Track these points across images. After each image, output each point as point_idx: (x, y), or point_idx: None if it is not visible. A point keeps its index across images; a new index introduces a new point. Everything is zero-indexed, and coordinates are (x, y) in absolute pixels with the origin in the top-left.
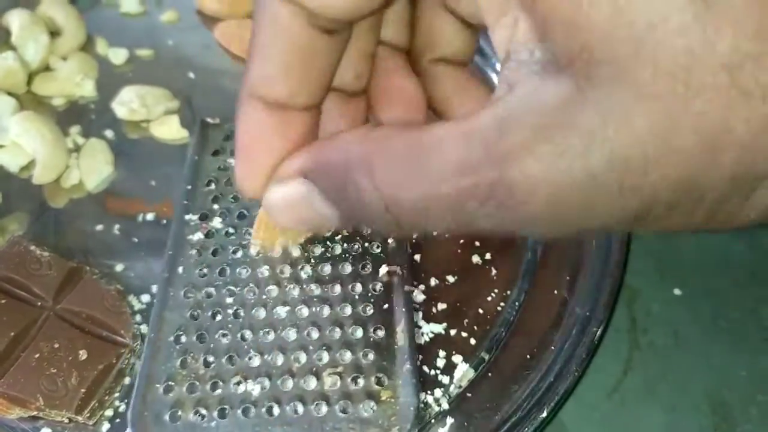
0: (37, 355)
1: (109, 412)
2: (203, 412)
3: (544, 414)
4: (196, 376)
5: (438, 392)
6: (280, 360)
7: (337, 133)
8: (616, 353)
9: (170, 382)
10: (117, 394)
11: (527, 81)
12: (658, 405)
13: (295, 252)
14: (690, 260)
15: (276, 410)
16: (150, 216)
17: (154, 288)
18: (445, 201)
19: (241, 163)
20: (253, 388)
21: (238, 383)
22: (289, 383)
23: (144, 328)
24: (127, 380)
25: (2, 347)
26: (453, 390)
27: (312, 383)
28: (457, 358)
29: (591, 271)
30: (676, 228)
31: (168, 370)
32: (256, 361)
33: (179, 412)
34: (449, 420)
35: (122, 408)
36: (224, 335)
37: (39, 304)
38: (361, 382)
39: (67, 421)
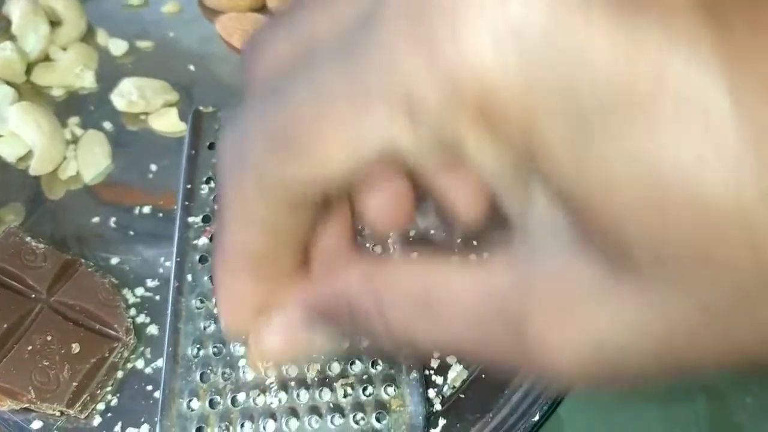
0: (29, 348)
1: (100, 406)
2: (226, 426)
3: (537, 417)
4: (216, 390)
5: (431, 393)
6: (293, 371)
7: (333, 277)
8: None
9: (193, 397)
10: (109, 388)
11: (551, 252)
12: (654, 394)
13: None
14: None
15: (294, 422)
16: (147, 209)
17: (149, 282)
18: (469, 352)
19: (226, 318)
20: (272, 401)
21: (257, 396)
22: (305, 395)
23: (138, 321)
24: (119, 374)
25: None
26: (446, 391)
27: (326, 395)
28: (451, 359)
29: None
30: None
31: (189, 384)
32: (271, 373)
33: (204, 427)
34: (441, 421)
35: (114, 402)
36: (238, 346)
37: (33, 296)
38: (371, 391)
39: (58, 414)
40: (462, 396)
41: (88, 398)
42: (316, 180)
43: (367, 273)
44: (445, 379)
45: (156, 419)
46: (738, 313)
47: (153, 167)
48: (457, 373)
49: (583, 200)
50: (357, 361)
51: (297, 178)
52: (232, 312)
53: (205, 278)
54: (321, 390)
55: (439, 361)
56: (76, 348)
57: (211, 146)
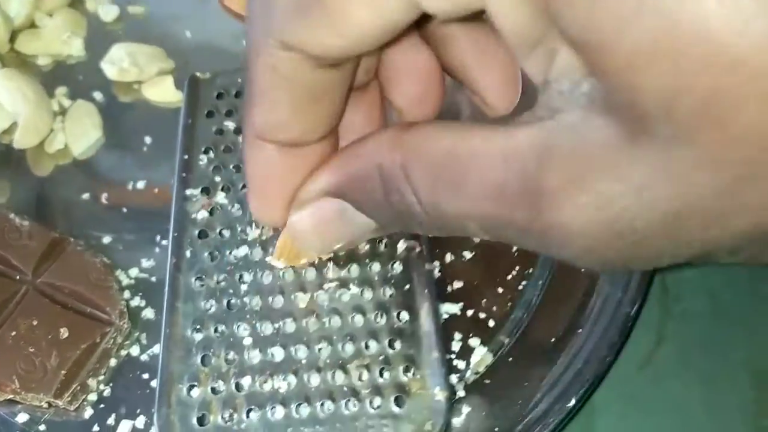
0: (13, 333)
1: (92, 397)
2: (231, 413)
3: (572, 403)
4: (219, 375)
5: (453, 378)
6: (303, 353)
7: (362, 141)
8: (647, 323)
9: (194, 382)
10: (101, 377)
11: (571, 111)
12: (694, 378)
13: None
14: None
15: (305, 409)
16: (141, 184)
17: (144, 261)
18: (485, 221)
19: (256, 198)
20: (280, 385)
21: (265, 381)
22: (316, 379)
23: (133, 304)
24: (113, 362)
25: None
26: (470, 376)
27: (339, 378)
28: (474, 342)
29: None
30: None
31: (189, 368)
32: (279, 355)
33: (207, 415)
34: (465, 409)
35: (107, 392)
36: (242, 326)
37: (17, 277)
38: (389, 374)
39: (46, 405)
40: (487, 381)
41: (78, 388)
42: (344, 45)
43: (395, 135)
44: (468, 363)
45: (153, 410)
46: (747, 175)
47: (147, 139)
48: (480, 357)
49: (596, 46)
50: (373, 341)
51: (325, 44)
52: (261, 188)
53: (206, 254)
54: (334, 372)
55: (461, 343)
56: (64, 333)
57: (210, 114)
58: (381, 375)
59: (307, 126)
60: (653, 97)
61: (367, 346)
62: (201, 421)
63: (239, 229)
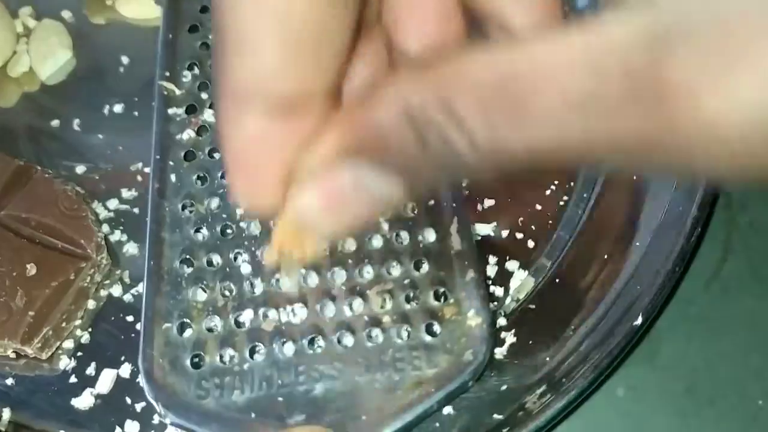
0: None
1: (68, 344)
2: (231, 352)
3: (639, 320)
4: (214, 309)
5: (491, 306)
6: (313, 280)
7: (376, 88)
8: (712, 235)
9: (185, 319)
10: (78, 322)
11: None
12: (766, 291)
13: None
14: None
15: (320, 343)
16: (118, 107)
17: (125, 192)
18: (574, 148)
19: (241, 179)
20: (288, 318)
21: (267, 313)
22: (330, 308)
23: (113, 239)
24: (91, 304)
25: None
26: (509, 303)
27: (358, 306)
28: (512, 265)
29: None
30: None
31: (179, 304)
32: (285, 284)
33: (202, 356)
34: (509, 339)
35: (85, 338)
36: (241, 255)
37: None
38: (417, 299)
39: (13, 355)
40: (532, 307)
41: (51, 333)
42: None
43: (420, 71)
44: (507, 290)
45: (139, 355)
46: None
47: (124, 59)
48: (521, 282)
49: None
50: (396, 264)
51: None
52: (248, 166)
53: (194, 177)
54: (351, 300)
55: (497, 267)
56: (31, 270)
57: (193, 29)
58: (408, 301)
59: (304, 74)
60: None
61: (388, 270)
62: (196, 363)
63: None
